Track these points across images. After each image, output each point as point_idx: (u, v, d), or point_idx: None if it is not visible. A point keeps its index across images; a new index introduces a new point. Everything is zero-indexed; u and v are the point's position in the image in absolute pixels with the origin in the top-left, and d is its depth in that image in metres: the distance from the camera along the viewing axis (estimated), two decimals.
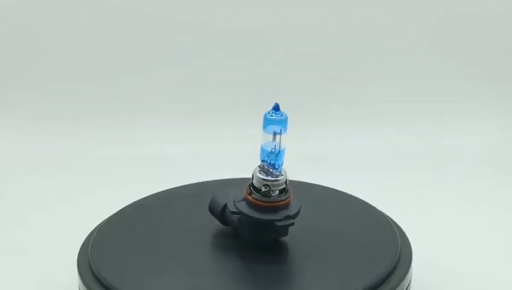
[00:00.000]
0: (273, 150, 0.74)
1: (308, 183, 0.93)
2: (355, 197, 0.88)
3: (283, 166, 0.75)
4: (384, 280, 0.71)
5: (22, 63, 1.38)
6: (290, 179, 0.93)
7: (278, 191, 0.74)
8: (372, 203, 0.87)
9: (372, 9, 1.37)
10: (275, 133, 0.74)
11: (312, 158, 1.29)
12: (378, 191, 1.10)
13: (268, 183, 0.73)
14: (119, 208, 0.88)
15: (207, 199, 0.80)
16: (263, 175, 0.74)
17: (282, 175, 0.74)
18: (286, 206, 0.74)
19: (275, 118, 0.73)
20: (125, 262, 0.76)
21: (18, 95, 1.39)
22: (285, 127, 0.74)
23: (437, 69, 1.38)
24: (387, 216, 0.84)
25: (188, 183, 0.95)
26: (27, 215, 1.09)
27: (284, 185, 0.74)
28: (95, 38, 1.37)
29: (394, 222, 0.83)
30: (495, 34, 1.37)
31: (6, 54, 1.38)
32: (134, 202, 0.89)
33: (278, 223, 0.73)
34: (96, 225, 0.84)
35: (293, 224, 0.73)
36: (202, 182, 0.94)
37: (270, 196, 0.73)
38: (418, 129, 1.35)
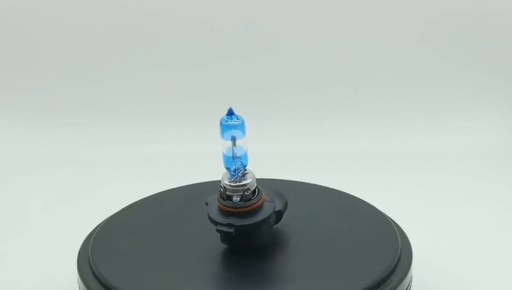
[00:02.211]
0: (233, 155, 0.72)
1: (307, 183, 0.93)
2: (356, 197, 0.88)
3: (244, 173, 0.73)
4: (384, 280, 0.71)
5: (22, 63, 1.38)
6: (290, 179, 0.94)
7: (238, 197, 0.72)
8: (372, 203, 0.87)
9: (373, 10, 1.37)
10: (233, 139, 0.72)
11: (312, 158, 1.29)
12: (378, 191, 1.10)
13: (222, 186, 0.72)
14: (119, 208, 0.88)
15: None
16: (224, 178, 0.73)
17: (238, 181, 0.72)
18: (244, 213, 0.72)
19: (231, 123, 0.72)
20: (125, 262, 0.76)
21: (18, 95, 1.39)
22: (243, 131, 0.72)
23: (437, 69, 1.38)
24: (387, 216, 0.84)
25: (189, 183, 0.95)
26: (27, 215, 1.09)
27: (242, 193, 0.72)
28: (95, 38, 1.37)
29: (394, 222, 0.83)
30: (495, 35, 1.37)
31: (6, 54, 1.38)
32: (135, 202, 0.89)
33: (218, 227, 0.72)
34: (96, 225, 0.84)
35: (232, 234, 0.71)
36: (203, 182, 0.94)
37: (225, 199, 0.72)
38: (418, 129, 1.35)
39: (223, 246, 0.76)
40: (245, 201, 0.72)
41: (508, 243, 0.99)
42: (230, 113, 0.72)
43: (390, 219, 0.83)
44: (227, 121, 0.72)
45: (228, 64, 1.37)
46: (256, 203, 0.72)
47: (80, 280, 0.75)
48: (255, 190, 0.73)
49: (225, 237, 0.73)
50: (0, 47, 1.37)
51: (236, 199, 0.72)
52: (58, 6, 1.36)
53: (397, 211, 0.88)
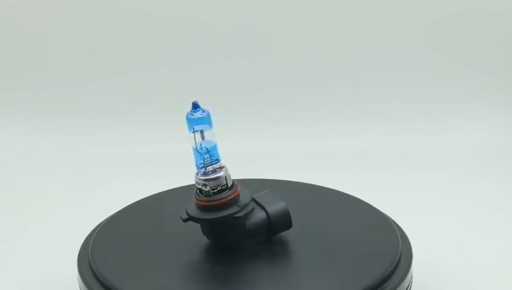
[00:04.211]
0: (199, 148, 0.73)
1: (307, 183, 0.93)
2: (355, 198, 0.88)
3: (215, 169, 0.73)
4: (384, 280, 0.71)
5: (22, 63, 1.38)
6: (290, 179, 0.94)
7: (200, 191, 0.73)
8: (372, 204, 0.87)
9: (373, 10, 1.37)
10: (200, 132, 0.72)
11: (312, 158, 1.29)
12: (378, 191, 1.10)
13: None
14: (119, 208, 0.88)
15: None
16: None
17: (202, 176, 0.73)
18: (203, 207, 0.73)
19: (197, 117, 0.72)
20: (125, 262, 0.75)
21: (18, 95, 1.39)
22: (209, 124, 0.72)
23: (437, 69, 1.38)
24: (388, 216, 0.84)
25: (189, 183, 0.94)
26: (27, 215, 1.09)
27: (201, 187, 0.73)
28: (95, 38, 1.37)
29: (394, 222, 0.83)
30: (495, 35, 1.37)
31: (6, 54, 1.38)
32: (135, 203, 0.89)
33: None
34: (96, 225, 0.84)
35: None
36: None
37: (197, 192, 0.74)
38: (418, 129, 1.35)
39: (224, 246, 0.76)
40: (205, 196, 0.73)
41: (508, 243, 0.99)
42: (196, 106, 0.72)
43: (390, 219, 0.83)
44: (192, 115, 0.72)
45: (228, 64, 1.37)
46: (214, 201, 0.73)
47: (80, 280, 0.75)
48: (222, 188, 0.73)
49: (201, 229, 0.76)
50: (0, 47, 1.37)
51: (203, 192, 0.73)
52: (58, 6, 1.36)
53: (397, 211, 0.88)
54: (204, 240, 0.77)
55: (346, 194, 0.89)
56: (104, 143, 1.33)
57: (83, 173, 1.25)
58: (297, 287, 0.71)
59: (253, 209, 0.74)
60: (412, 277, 0.76)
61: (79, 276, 0.75)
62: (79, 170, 1.26)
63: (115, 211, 0.87)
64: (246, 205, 0.73)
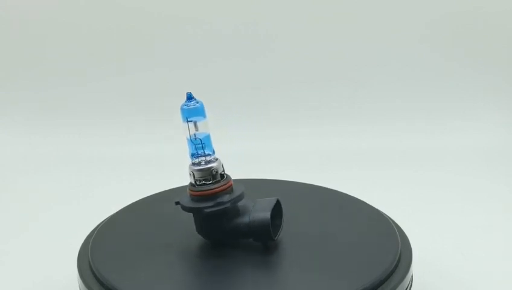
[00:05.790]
0: (192, 138, 0.74)
1: (307, 183, 0.93)
2: (355, 198, 0.88)
3: (208, 160, 0.74)
4: (384, 280, 0.71)
5: (22, 63, 1.39)
6: (290, 179, 0.94)
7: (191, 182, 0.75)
8: (372, 204, 0.87)
9: (373, 10, 1.37)
10: (193, 122, 0.74)
11: (312, 158, 1.29)
12: (378, 191, 1.10)
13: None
14: (119, 208, 0.88)
15: None
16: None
17: (192, 166, 0.74)
18: (191, 196, 0.74)
19: (191, 107, 0.74)
20: (125, 262, 0.75)
21: (18, 95, 1.39)
22: (203, 115, 0.74)
23: (437, 69, 1.38)
24: (388, 216, 0.84)
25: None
26: (27, 215, 1.09)
27: (189, 179, 0.74)
28: (95, 38, 1.37)
29: (394, 222, 0.83)
30: (495, 35, 1.37)
31: (6, 54, 1.38)
32: (135, 202, 0.89)
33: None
34: (96, 225, 0.84)
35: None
36: None
37: (191, 183, 0.75)
38: (418, 129, 1.35)
39: (224, 245, 0.76)
40: (191, 185, 0.74)
41: (508, 243, 0.99)
42: (190, 97, 0.74)
43: (390, 219, 0.83)
44: (187, 106, 0.74)
45: (228, 64, 1.37)
46: (195, 191, 0.74)
47: (80, 280, 0.75)
48: (207, 181, 0.74)
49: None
50: (0, 47, 1.37)
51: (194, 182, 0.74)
52: (58, 6, 1.36)
53: (397, 211, 0.88)
54: (204, 240, 0.77)
55: (346, 194, 0.89)
56: (104, 143, 1.33)
57: (83, 173, 1.25)
58: (297, 287, 0.71)
59: (225, 209, 0.73)
60: (412, 277, 0.76)
61: (79, 276, 0.75)
62: (79, 170, 1.26)
63: (115, 211, 0.87)
64: (219, 203, 0.73)
